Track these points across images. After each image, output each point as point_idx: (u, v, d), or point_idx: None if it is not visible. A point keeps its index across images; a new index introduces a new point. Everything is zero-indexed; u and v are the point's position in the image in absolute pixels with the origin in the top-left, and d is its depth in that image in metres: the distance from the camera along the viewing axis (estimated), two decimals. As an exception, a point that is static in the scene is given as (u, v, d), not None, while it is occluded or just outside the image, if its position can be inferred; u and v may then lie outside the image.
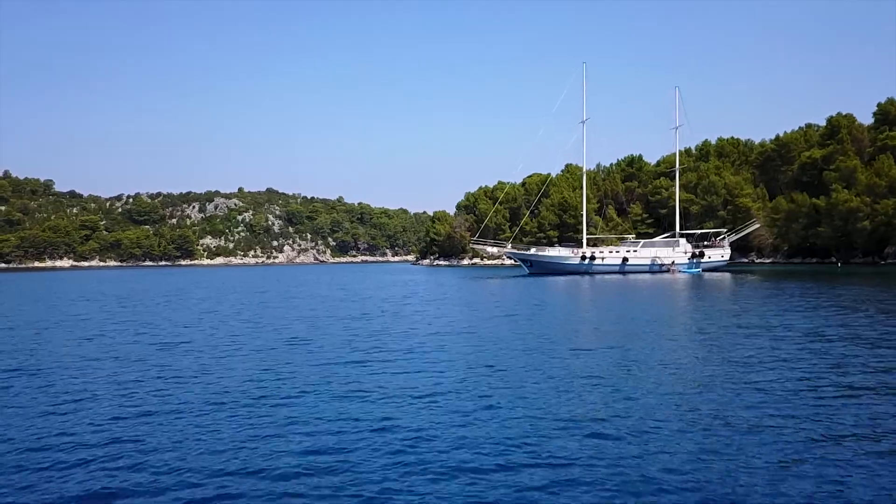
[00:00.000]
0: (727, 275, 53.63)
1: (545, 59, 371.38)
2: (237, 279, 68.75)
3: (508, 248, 66.53)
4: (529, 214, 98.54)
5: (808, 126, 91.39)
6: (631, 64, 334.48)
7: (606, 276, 55.08)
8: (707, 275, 55.09)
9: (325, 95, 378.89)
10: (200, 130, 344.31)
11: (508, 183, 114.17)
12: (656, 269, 62.55)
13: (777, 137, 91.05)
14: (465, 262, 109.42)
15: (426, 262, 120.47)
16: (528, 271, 63.42)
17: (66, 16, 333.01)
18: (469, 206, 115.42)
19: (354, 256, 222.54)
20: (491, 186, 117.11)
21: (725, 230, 73.61)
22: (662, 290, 35.80)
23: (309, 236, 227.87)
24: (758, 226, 76.64)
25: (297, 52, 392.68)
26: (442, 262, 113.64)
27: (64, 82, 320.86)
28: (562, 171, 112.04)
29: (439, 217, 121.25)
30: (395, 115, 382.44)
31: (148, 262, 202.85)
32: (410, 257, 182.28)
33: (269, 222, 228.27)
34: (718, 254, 65.54)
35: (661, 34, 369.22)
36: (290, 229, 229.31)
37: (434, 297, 34.26)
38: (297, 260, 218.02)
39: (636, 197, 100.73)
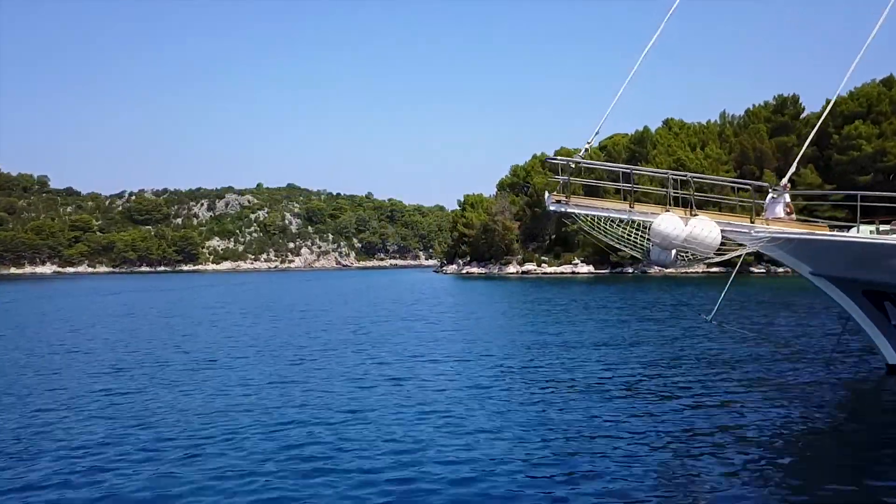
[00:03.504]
0: None
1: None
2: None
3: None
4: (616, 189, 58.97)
5: None
6: None
7: None
8: None
9: (352, 86, 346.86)
10: (218, 124, 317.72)
11: (575, 149, 74.14)
12: None
13: None
14: (511, 269, 70.40)
15: (452, 268, 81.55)
16: None
17: (73, 4, 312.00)
18: (517, 183, 75.98)
19: (382, 259, 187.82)
20: (550, 155, 77.92)
21: None
22: None
23: (331, 237, 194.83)
24: None
25: (326, 42, 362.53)
26: (474, 270, 74.73)
27: (67, 75, 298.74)
28: (661, 125, 72.38)
29: (472, 202, 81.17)
30: (428, 104, 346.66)
31: (144, 268, 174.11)
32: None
33: (286, 221, 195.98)
34: None
35: None
36: (310, 229, 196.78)
37: None
38: (317, 264, 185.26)
39: (795, 159, 59.81)
